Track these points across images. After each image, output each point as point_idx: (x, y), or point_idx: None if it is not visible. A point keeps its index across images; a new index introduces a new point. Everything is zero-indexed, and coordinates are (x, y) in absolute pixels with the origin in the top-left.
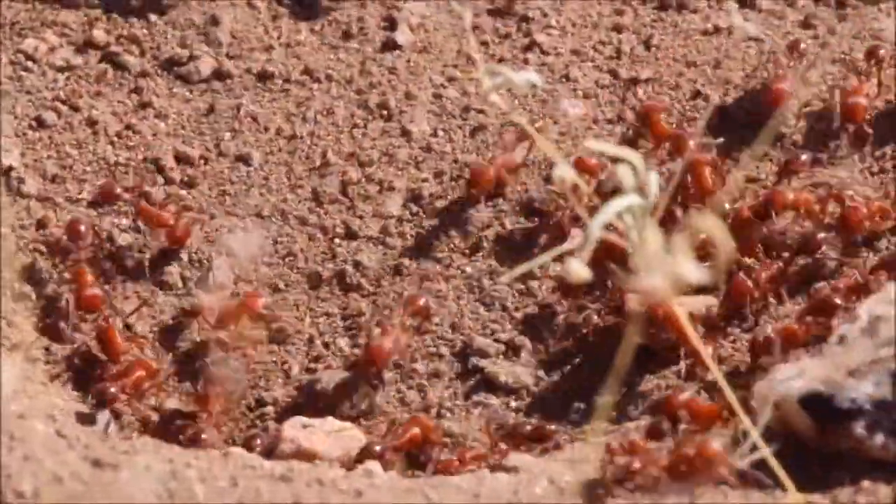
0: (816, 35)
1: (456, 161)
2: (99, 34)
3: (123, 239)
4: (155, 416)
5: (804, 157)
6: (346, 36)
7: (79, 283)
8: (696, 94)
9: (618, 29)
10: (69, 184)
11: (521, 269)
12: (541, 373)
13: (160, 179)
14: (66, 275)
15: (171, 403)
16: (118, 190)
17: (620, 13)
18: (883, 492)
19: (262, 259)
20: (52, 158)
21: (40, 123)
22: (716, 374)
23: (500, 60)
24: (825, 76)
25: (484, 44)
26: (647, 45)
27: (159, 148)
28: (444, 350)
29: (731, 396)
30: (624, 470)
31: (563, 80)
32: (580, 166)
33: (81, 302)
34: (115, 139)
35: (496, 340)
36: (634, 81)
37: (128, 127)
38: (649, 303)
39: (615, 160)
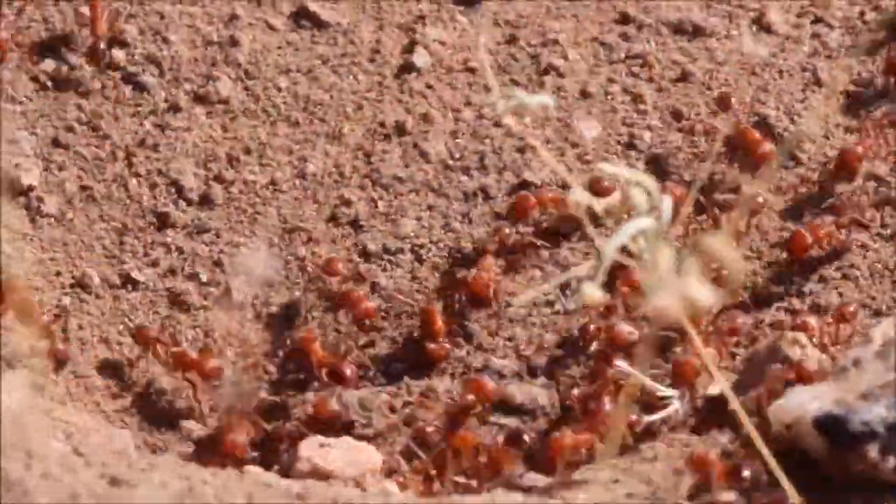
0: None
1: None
2: (118, 55)
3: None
4: None
5: None
6: (365, 58)
7: None
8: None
9: (633, 52)
10: (89, 204)
11: (536, 291)
12: (556, 394)
13: (178, 200)
14: None
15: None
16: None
17: (633, 37)
18: None
19: (278, 279)
20: (71, 179)
21: (60, 144)
22: (723, 386)
23: (516, 83)
24: None
25: (500, 67)
26: (663, 70)
27: (177, 168)
28: (460, 370)
29: (738, 408)
30: None
31: (579, 102)
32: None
33: None
34: (134, 159)
35: (512, 361)
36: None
37: (147, 147)
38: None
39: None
